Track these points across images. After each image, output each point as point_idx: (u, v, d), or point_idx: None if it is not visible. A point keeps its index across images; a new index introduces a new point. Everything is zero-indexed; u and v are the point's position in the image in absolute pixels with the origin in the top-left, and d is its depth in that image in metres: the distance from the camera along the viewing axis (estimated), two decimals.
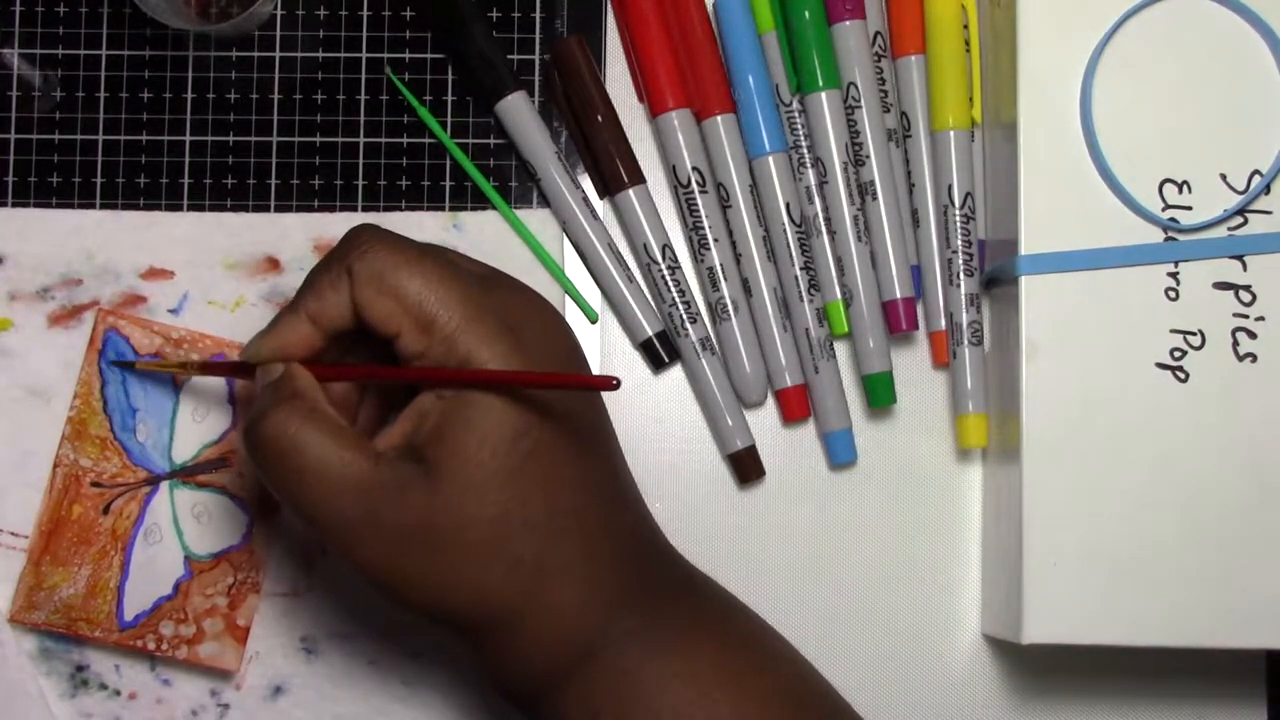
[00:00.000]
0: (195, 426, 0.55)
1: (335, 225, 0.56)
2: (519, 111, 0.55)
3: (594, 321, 0.56)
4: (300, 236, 0.56)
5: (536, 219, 0.56)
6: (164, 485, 0.55)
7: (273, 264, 0.56)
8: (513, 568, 0.43)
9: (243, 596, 0.54)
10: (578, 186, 0.55)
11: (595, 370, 0.54)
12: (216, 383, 0.55)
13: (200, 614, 0.54)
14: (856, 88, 0.54)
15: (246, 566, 0.54)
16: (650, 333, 0.56)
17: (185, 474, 0.55)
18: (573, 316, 0.56)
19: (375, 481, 0.43)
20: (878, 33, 0.55)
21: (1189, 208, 0.50)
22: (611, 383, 0.41)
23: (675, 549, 0.49)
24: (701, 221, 0.55)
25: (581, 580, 0.44)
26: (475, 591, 0.44)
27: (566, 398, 0.45)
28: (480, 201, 0.56)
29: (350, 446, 0.43)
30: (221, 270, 0.56)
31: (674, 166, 0.55)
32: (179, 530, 0.54)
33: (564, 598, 0.44)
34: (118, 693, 0.54)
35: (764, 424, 0.56)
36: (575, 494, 0.45)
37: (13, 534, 0.54)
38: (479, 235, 0.56)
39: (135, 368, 0.54)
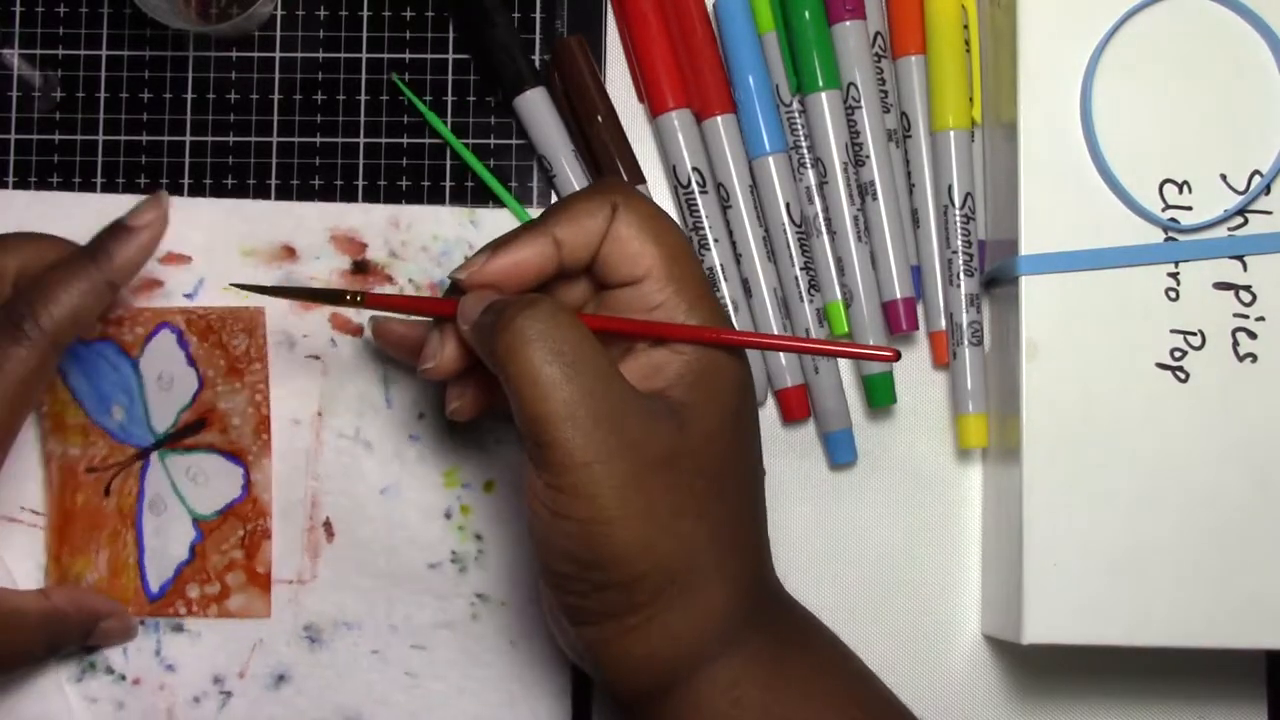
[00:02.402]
0: (164, 394, 0.55)
1: (352, 215, 0.56)
2: (537, 107, 0.55)
3: None
4: (317, 226, 0.56)
5: None
6: (153, 456, 0.55)
7: (289, 252, 0.56)
8: (714, 525, 0.44)
9: (257, 545, 0.55)
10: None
11: None
12: (170, 349, 0.55)
13: (221, 570, 0.54)
14: (856, 88, 0.54)
15: (253, 515, 0.55)
16: None
17: (170, 441, 0.55)
18: None
19: (635, 402, 0.43)
20: (878, 33, 0.55)
21: (1189, 208, 0.50)
22: (893, 354, 0.46)
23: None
24: (701, 221, 0.55)
25: (731, 576, 0.45)
26: (683, 539, 0.43)
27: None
28: (480, 201, 0.56)
29: (613, 362, 0.44)
30: (238, 257, 0.56)
31: (674, 167, 0.55)
32: (180, 495, 0.55)
33: (730, 571, 0.45)
34: (123, 677, 0.55)
35: (764, 424, 0.56)
36: (750, 475, 0.47)
37: (33, 511, 0.55)
38: (495, 232, 0.55)
39: (270, 293, 0.49)
